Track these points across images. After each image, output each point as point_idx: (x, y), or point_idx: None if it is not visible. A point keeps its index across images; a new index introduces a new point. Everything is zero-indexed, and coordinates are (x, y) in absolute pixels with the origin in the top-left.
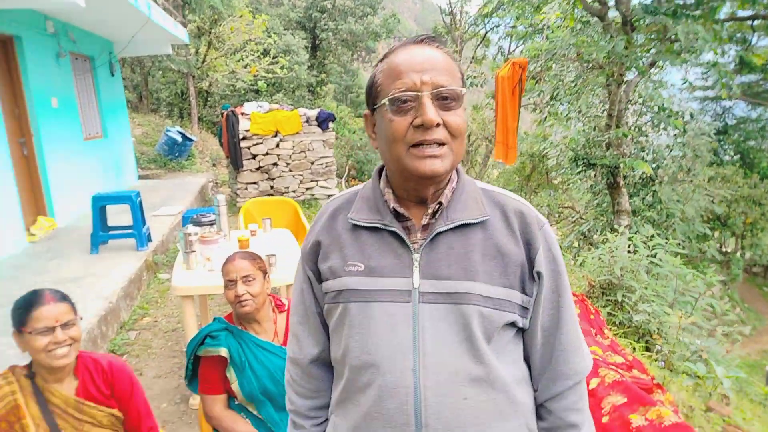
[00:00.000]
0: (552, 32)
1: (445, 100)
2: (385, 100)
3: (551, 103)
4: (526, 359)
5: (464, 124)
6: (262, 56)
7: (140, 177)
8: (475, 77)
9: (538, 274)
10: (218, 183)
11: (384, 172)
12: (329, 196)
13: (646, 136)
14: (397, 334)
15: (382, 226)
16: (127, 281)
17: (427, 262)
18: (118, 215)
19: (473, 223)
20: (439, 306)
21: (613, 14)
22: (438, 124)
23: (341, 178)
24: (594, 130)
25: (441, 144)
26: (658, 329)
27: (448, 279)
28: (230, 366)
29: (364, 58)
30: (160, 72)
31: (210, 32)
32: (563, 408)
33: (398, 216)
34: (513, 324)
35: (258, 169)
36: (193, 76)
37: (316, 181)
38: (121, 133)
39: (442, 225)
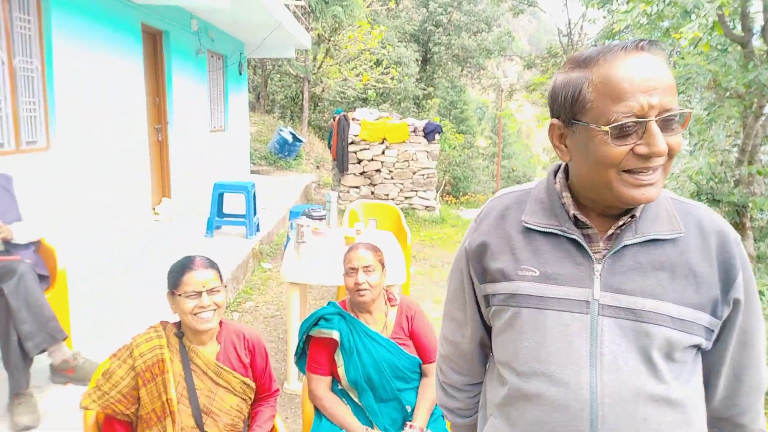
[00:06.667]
0: (682, 58)
1: (669, 122)
2: (606, 127)
3: None
4: (705, 377)
5: (681, 144)
6: (374, 66)
7: (251, 172)
8: None
9: (736, 301)
10: (320, 184)
11: (560, 174)
12: (427, 207)
13: None
14: (572, 346)
15: (560, 232)
16: (235, 266)
17: (609, 274)
18: (231, 204)
19: (664, 239)
20: (620, 321)
21: (756, 43)
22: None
23: (437, 191)
24: (721, 165)
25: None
26: None
27: (633, 295)
28: (339, 350)
29: (473, 74)
30: (279, 75)
31: (329, 40)
32: (752, 420)
33: (576, 222)
34: (696, 345)
35: (362, 173)
36: (308, 81)
37: (416, 191)
38: (240, 129)
39: (629, 237)
